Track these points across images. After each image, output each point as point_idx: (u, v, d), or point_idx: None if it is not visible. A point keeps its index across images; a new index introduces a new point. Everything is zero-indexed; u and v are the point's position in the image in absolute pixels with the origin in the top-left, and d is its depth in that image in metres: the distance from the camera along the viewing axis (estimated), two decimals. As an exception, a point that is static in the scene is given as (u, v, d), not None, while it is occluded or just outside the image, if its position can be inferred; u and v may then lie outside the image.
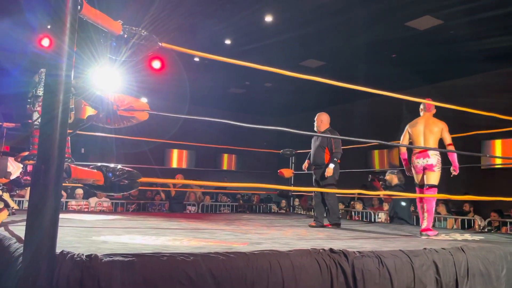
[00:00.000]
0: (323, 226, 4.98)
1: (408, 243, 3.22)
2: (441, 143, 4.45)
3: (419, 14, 6.39)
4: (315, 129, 5.27)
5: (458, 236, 4.03)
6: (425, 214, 4.30)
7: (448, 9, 6.17)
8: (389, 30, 7.01)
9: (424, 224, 4.26)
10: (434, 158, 4.30)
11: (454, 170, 4.39)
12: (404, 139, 4.56)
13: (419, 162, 4.38)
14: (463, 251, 2.73)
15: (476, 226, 6.46)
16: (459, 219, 6.62)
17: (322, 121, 5.22)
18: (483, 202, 7.08)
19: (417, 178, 4.46)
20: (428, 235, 4.11)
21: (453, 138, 4.47)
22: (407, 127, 4.56)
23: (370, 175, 6.89)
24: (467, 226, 6.55)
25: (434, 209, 4.34)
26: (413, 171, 4.49)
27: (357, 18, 6.61)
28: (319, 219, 5.05)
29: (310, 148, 5.37)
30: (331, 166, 4.96)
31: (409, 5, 6.16)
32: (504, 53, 7.39)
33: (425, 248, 2.60)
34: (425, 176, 4.36)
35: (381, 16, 6.57)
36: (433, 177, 4.31)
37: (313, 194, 5.31)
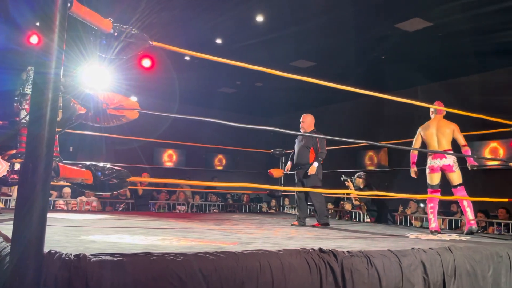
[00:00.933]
0: (305, 225, 5.03)
1: (396, 243, 3.26)
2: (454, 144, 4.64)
3: (408, 16, 6.45)
4: (300, 130, 5.33)
5: (445, 236, 4.09)
6: (468, 209, 4.47)
7: (438, 11, 6.24)
8: (379, 31, 7.06)
9: (470, 217, 4.44)
10: (450, 158, 4.49)
11: (471, 166, 4.67)
12: (416, 142, 4.75)
13: (436, 162, 4.55)
14: (451, 251, 2.76)
15: (463, 227, 6.54)
16: (447, 219, 6.71)
17: (305, 122, 5.32)
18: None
19: (430, 178, 4.62)
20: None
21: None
22: (419, 130, 4.75)
23: (343, 175, 7.01)
24: (454, 227, 6.63)
25: (471, 203, 4.55)
26: (427, 171, 4.64)
27: (348, 20, 6.64)
28: (301, 219, 5.11)
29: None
30: (315, 164, 5.06)
31: (399, 7, 6.22)
32: (495, 53, 7.48)
33: (413, 248, 2.63)
34: (448, 178, 4.57)
35: (371, 18, 6.61)
36: (457, 177, 4.54)
37: (295, 194, 5.36)
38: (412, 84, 9.36)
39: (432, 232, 4.40)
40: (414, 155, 4.83)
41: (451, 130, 4.57)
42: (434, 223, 4.49)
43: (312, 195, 5.07)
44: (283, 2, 6.29)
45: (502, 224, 6.07)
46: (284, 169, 7.41)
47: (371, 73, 8.93)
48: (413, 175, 4.77)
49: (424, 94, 8.85)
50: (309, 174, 5.05)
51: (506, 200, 4.58)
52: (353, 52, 7.92)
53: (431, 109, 4.77)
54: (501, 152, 8.18)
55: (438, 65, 8.36)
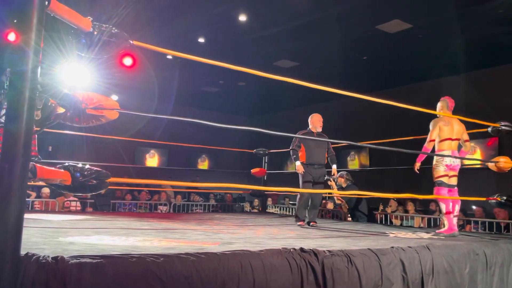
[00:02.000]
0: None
1: (376, 241, 3.30)
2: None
3: (389, 18, 6.54)
4: (315, 129, 5.22)
5: (424, 235, 4.16)
6: (457, 214, 4.46)
7: (417, 14, 6.35)
8: (360, 32, 7.14)
9: (454, 222, 4.43)
10: (458, 159, 4.49)
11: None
12: (434, 134, 4.51)
13: (454, 161, 4.46)
14: (429, 249, 2.81)
15: (442, 225, 6.66)
16: (426, 218, 6.82)
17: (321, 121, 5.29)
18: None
19: (448, 177, 4.51)
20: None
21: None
22: (438, 123, 4.52)
23: (325, 175, 7.06)
24: (433, 225, 6.75)
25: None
26: (443, 169, 4.47)
27: (330, 21, 6.69)
28: (300, 217, 5.10)
29: (288, 147, 5.40)
30: (335, 166, 5.31)
31: (379, 9, 6.30)
32: (476, 53, 7.64)
33: (392, 247, 2.67)
34: (452, 177, 4.49)
35: (353, 19, 6.68)
36: (457, 178, 4.52)
37: (303, 194, 5.14)
38: (392, 85, 9.49)
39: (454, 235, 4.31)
40: (427, 150, 4.57)
41: (463, 130, 4.55)
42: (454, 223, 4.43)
43: (319, 195, 5.15)
44: (266, 2, 6.30)
45: (479, 222, 6.21)
46: (266, 169, 7.43)
47: (353, 74, 9.03)
48: (416, 170, 4.60)
49: (405, 94, 8.97)
50: (335, 176, 5.41)
51: (483, 199, 4.68)
52: (335, 52, 7.99)
53: (442, 105, 4.64)
54: (478, 152, 8.36)
55: (418, 66, 8.50)
